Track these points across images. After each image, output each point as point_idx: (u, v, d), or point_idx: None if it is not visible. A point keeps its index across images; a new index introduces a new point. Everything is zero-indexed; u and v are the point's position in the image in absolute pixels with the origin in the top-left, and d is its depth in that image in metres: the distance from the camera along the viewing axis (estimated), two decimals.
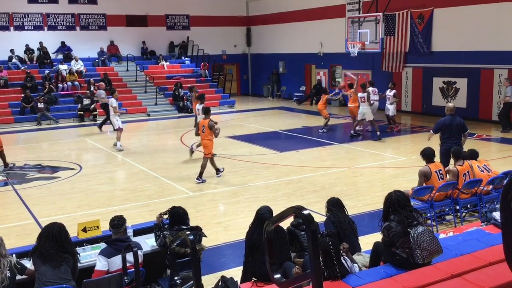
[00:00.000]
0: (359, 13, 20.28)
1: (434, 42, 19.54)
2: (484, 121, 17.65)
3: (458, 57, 18.56)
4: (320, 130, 16.99)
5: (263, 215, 5.30)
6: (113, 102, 15.10)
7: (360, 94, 15.55)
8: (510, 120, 16.13)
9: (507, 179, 7.95)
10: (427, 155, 7.96)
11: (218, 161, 13.24)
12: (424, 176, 7.77)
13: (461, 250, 4.84)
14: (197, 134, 12.56)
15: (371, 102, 15.70)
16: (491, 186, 8.14)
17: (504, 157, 11.83)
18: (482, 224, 6.47)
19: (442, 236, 6.00)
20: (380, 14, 18.02)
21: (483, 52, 17.67)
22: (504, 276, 3.67)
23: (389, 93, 16.78)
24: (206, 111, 11.35)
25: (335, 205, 5.65)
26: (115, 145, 15.17)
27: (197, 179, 11.10)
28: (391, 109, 16.77)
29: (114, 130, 15.58)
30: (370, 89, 16.00)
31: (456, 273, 4.13)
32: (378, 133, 15.46)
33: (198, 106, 13.37)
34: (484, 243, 5.01)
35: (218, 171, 11.52)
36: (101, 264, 5.01)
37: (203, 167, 11.14)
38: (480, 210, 7.84)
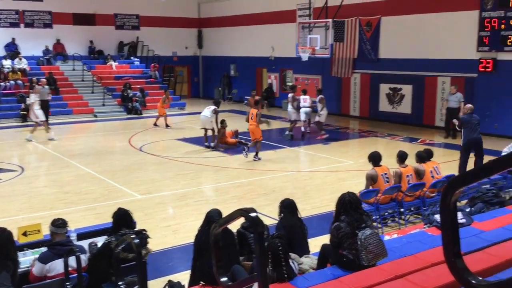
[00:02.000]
0: (310, 19, 20.59)
1: (381, 49, 20.09)
2: (427, 126, 18.29)
3: (403, 64, 19.16)
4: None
5: (213, 218, 5.25)
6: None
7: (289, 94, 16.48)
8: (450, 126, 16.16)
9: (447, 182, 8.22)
10: (374, 158, 8.16)
11: (168, 163, 13.09)
12: (371, 179, 7.96)
13: (404, 251, 4.97)
14: (247, 120, 14.23)
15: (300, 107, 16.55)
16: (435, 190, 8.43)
17: (446, 162, 12.27)
18: (425, 226, 6.67)
19: (386, 238, 6.15)
20: (330, 20, 18.37)
21: (427, 60, 18.33)
22: (446, 277, 3.78)
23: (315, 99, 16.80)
24: (256, 102, 14.22)
25: (287, 207, 5.66)
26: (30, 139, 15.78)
27: (254, 157, 13.29)
28: (322, 115, 16.40)
29: (37, 122, 16.32)
30: (301, 97, 16.59)
31: (399, 274, 4.23)
32: (287, 132, 16.58)
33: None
34: (427, 244, 5.17)
35: (256, 154, 13.36)
36: (35, 269, 4.86)
37: (258, 149, 13.36)
38: (423, 213, 8.09)
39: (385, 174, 8.02)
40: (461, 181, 1.62)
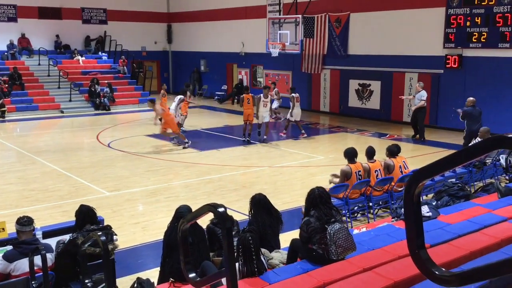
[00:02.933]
0: (280, 14, 20.61)
1: (350, 45, 20.28)
2: (395, 122, 18.58)
3: (372, 60, 19.40)
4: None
5: (182, 214, 5.20)
6: None
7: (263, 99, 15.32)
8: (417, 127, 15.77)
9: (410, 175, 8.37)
10: (349, 154, 8.22)
11: (137, 160, 12.93)
12: (345, 176, 8.01)
13: (372, 244, 5.04)
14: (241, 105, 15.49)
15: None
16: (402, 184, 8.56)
17: (414, 156, 12.50)
18: (393, 219, 6.77)
19: (355, 232, 6.22)
20: (300, 16, 18.42)
21: (395, 56, 18.60)
22: (412, 268, 3.85)
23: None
24: (247, 88, 16.86)
25: (256, 205, 5.57)
26: None
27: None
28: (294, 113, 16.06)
29: None
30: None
31: (367, 267, 4.28)
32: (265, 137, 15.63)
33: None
34: (394, 237, 5.25)
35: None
36: None
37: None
38: (391, 207, 8.22)
39: (359, 171, 8.08)
40: (424, 173, 1.64)
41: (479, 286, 3.11)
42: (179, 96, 15.75)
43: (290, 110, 15.98)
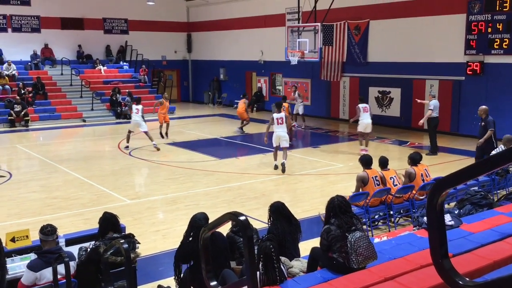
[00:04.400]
0: (299, 23, 20.63)
1: (370, 52, 20.20)
2: (416, 129, 18.39)
3: (392, 67, 19.28)
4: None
5: (198, 222, 5.20)
6: None
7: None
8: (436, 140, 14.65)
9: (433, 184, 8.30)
10: (365, 161, 8.24)
11: (158, 168, 13.03)
12: (361, 182, 8.00)
13: (394, 254, 4.99)
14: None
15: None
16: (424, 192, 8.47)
17: (434, 164, 12.35)
18: (414, 228, 6.70)
19: (376, 240, 6.17)
20: (319, 24, 18.42)
21: (416, 63, 18.45)
22: (434, 278, 3.80)
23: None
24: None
25: (275, 213, 5.56)
26: None
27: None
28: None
29: None
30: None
31: (389, 276, 4.24)
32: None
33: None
34: (416, 246, 5.19)
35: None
36: (25, 278, 4.75)
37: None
38: (412, 215, 8.13)
39: (376, 177, 8.08)
40: (448, 182, 1.63)
41: None
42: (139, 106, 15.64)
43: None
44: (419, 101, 16.12)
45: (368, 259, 4.61)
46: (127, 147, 15.44)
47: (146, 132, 15.27)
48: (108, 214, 5.50)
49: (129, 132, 15.55)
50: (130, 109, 16.61)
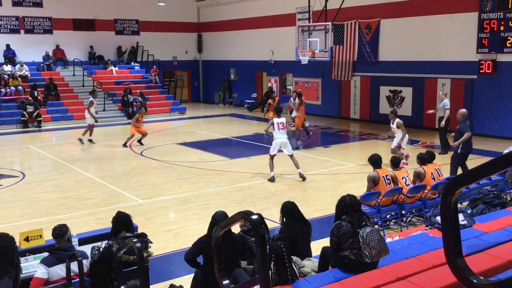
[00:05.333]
0: (309, 22, 20.62)
1: (381, 51, 20.12)
2: (428, 128, 18.28)
3: (403, 66, 19.18)
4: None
5: (217, 220, 5.22)
6: None
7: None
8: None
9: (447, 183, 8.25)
10: (374, 161, 8.21)
11: (169, 168, 13.09)
12: (372, 181, 7.98)
13: (406, 253, 4.96)
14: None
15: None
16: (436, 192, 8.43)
17: (447, 163, 12.26)
18: (426, 228, 6.66)
19: (388, 240, 6.14)
20: (329, 23, 18.40)
21: (427, 62, 18.34)
22: (447, 278, 3.78)
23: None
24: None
25: (287, 213, 5.55)
26: None
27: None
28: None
29: None
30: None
31: (401, 276, 4.22)
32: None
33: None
34: (428, 246, 5.16)
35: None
36: (40, 272, 4.82)
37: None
38: (424, 215, 8.09)
39: (386, 176, 8.06)
40: (461, 181, 1.63)
41: None
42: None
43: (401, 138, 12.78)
44: (430, 111, 15.38)
45: (381, 253, 4.59)
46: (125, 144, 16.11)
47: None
48: (122, 213, 5.54)
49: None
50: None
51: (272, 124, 11.61)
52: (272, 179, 11.47)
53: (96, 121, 21.32)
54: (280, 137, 11.48)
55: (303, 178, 11.50)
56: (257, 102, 26.32)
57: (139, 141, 16.51)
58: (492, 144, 14.19)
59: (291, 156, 11.70)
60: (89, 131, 16.75)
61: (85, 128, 16.92)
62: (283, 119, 11.59)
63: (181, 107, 25.37)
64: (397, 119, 12.74)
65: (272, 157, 11.60)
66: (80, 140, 16.59)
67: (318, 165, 13.38)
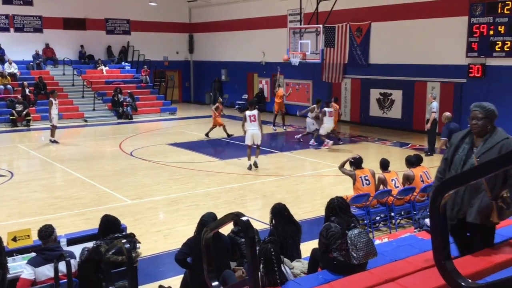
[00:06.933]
0: (300, 24, 20.66)
1: (371, 54, 20.21)
2: (417, 131, 18.39)
3: (394, 69, 19.28)
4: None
5: (206, 222, 5.22)
6: None
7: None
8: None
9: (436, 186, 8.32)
10: (355, 162, 8.49)
11: (159, 168, 13.04)
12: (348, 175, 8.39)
13: (395, 255, 4.98)
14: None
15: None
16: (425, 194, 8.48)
17: (435, 166, 12.33)
18: (415, 230, 6.70)
19: (377, 242, 6.16)
20: (321, 26, 18.45)
21: (417, 65, 18.45)
22: (436, 280, 3.80)
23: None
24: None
25: (277, 215, 5.57)
26: None
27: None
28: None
29: None
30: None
31: (390, 278, 4.23)
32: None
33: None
34: (417, 248, 5.17)
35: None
36: (27, 273, 4.81)
37: None
38: (413, 217, 8.13)
39: (365, 176, 8.23)
40: (450, 184, 1.64)
41: None
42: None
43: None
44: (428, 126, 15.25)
45: (369, 255, 4.61)
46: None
47: None
48: (109, 216, 5.49)
49: None
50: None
51: (245, 116, 12.52)
52: (249, 168, 12.49)
53: (85, 121, 21.25)
54: (252, 129, 12.39)
55: (255, 166, 12.59)
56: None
57: (207, 134, 17.56)
58: None
59: (258, 146, 12.68)
60: (51, 131, 16.65)
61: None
62: (254, 112, 12.48)
63: (172, 108, 25.30)
64: (325, 108, 15.47)
65: (249, 147, 12.62)
66: (53, 141, 16.56)
67: (309, 167, 13.40)
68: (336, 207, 4.89)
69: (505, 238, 5.11)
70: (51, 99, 16.69)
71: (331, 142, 15.59)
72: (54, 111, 16.52)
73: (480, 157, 4.07)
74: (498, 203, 4.07)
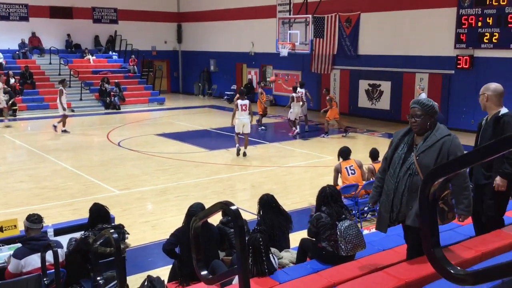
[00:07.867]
0: (290, 14, 20.62)
1: (360, 45, 20.22)
2: (406, 122, 18.41)
3: (382, 60, 19.32)
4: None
5: (194, 212, 5.20)
6: None
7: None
8: None
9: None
10: (340, 153, 8.63)
11: (147, 159, 12.98)
12: (336, 171, 8.46)
13: (383, 245, 5.01)
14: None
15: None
16: None
17: None
18: None
19: (365, 232, 6.20)
20: (310, 16, 18.43)
21: (406, 56, 18.51)
22: (423, 269, 3.83)
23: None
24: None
25: (265, 206, 5.55)
26: None
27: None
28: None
29: None
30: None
31: (378, 267, 4.26)
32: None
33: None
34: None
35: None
36: (10, 265, 4.79)
37: None
38: None
39: (350, 166, 8.39)
40: (439, 172, 1.64)
41: (491, 287, 3.09)
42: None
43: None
44: None
45: (357, 247, 4.65)
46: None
47: None
48: (98, 205, 5.46)
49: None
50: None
51: (236, 105, 12.78)
52: (237, 151, 12.86)
53: (72, 111, 21.04)
54: (243, 118, 12.78)
55: (244, 155, 12.94)
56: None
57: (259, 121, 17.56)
58: (468, 138, 14.37)
59: (247, 134, 13.03)
60: (62, 122, 16.44)
61: (59, 118, 16.61)
62: (246, 102, 12.80)
63: (160, 98, 25.15)
64: (293, 94, 16.08)
65: (237, 134, 13.02)
66: (55, 127, 16.32)
67: (297, 158, 13.42)
68: (328, 195, 4.91)
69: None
70: (61, 88, 16.39)
71: (297, 130, 16.21)
72: (64, 100, 16.30)
73: (419, 155, 3.86)
74: (440, 205, 3.75)
